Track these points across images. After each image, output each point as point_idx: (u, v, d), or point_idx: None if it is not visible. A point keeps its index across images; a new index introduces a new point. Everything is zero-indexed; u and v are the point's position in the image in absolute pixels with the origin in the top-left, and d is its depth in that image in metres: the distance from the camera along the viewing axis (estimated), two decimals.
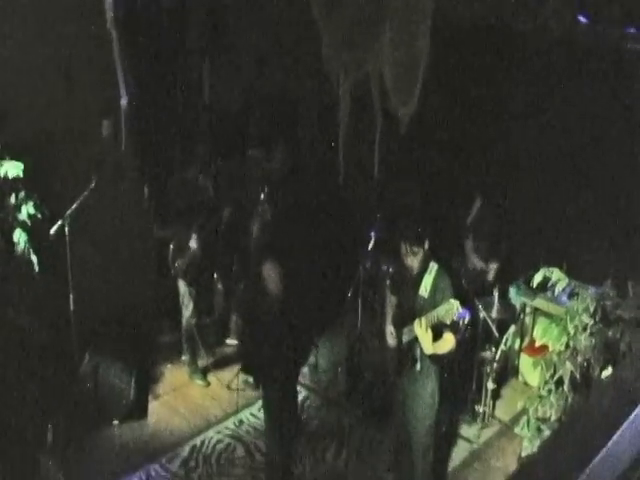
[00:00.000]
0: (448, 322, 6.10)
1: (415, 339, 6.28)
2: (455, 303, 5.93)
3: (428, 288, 6.30)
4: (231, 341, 9.60)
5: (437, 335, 6.24)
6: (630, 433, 2.09)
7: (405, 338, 6.41)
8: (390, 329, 6.57)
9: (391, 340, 6.55)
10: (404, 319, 6.41)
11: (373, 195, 10.16)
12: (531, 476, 1.98)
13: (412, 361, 6.39)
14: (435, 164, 9.56)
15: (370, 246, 8.56)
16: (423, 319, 6.11)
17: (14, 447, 7.52)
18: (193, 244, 8.42)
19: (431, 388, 6.47)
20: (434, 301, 6.23)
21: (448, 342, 6.28)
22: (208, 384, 8.94)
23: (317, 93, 10.52)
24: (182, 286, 8.66)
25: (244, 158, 9.83)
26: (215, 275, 9.38)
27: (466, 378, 8.35)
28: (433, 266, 6.34)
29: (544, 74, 8.62)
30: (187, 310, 8.72)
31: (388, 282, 7.07)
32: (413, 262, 6.30)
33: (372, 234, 8.59)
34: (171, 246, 8.61)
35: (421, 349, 6.29)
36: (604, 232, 8.43)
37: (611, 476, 2.03)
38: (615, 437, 2.03)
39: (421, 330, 6.13)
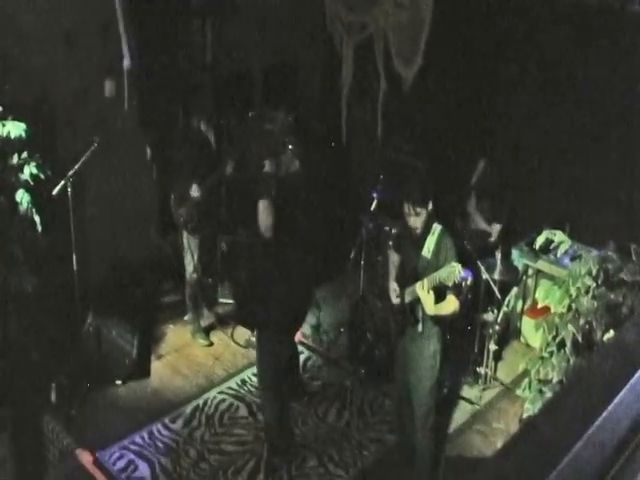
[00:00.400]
0: (450, 285, 6.07)
1: (417, 300, 6.27)
2: (457, 266, 5.90)
3: (431, 249, 6.25)
4: (226, 300, 9.56)
5: (440, 297, 6.23)
6: (631, 396, 2.10)
7: (407, 298, 6.39)
8: (394, 286, 6.54)
9: (394, 298, 6.52)
10: (407, 279, 6.39)
11: (376, 156, 10.15)
12: (531, 438, 1.98)
13: (414, 322, 6.39)
14: (439, 125, 9.53)
15: (372, 207, 8.56)
16: (425, 281, 6.08)
17: (19, 407, 7.58)
18: (195, 193, 8.39)
19: (433, 349, 6.45)
20: (437, 262, 6.20)
21: (451, 304, 6.25)
22: (211, 343, 8.97)
23: (320, 54, 10.49)
24: (185, 240, 8.63)
25: (246, 119, 9.80)
26: (217, 229, 9.37)
27: (468, 340, 8.38)
28: (436, 227, 6.30)
29: (549, 33, 8.57)
30: (190, 265, 8.71)
31: (391, 242, 7.06)
32: (416, 223, 6.25)
33: (374, 195, 8.60)
34: (173, 195, 8.59)
35: (423, 310, 6.28)
36: (608, 195, 8.42)
37: (612, 438, 2.04)
38: (616, 400, 2.03)
39: (423, 292, 6.10)
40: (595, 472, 2.01)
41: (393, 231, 8.05)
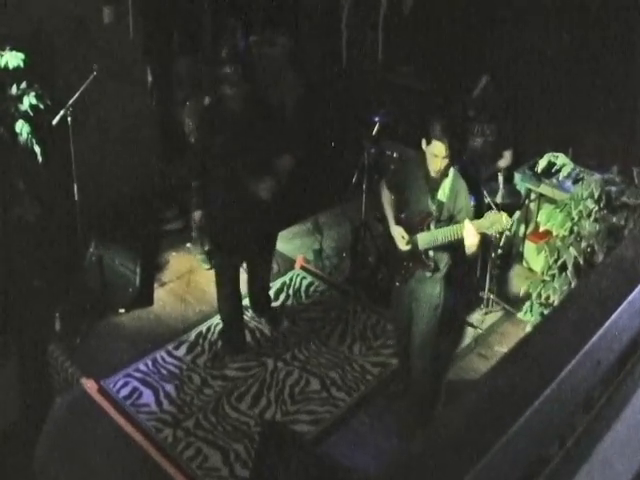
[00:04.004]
0: (492, 233, 6.00)
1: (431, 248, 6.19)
2: (504, 215, 5.78)
3: (446, 192, 6.09)
4: None
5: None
6: (628, 313, 2.09)
7: (424, 246, 6.20)
8: (400, 232, 6.28)
9: (403, 245, 6.27)
10: (419, 225, 6.22)
11: (377, 79, 10.07)
12: (527, 354, 1.98)
13: (434, 270, 6.25)
14: (440, 47, 9.42)
15: (374, 131, 8.50)
16: (472, 224, 5.82)
17: (24, 336, 7.63)
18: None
19: (438, 290, 6.36)
20: (454, 205, 6.09)
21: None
22: (211, 267, 8.95)
23: None
24: None
25: (248, 42, 9.73)
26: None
27: (471, 264, 8.37)
28: (450, 170, 6.12)
29: None
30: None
31: (385, 180, 6.84)
32: (442, 164, 6.00)
33: (376, 119, 8.52)
34: (187, 104, 8.49)
35: (436, 256, 6.23)
36: (611, 118, 8.36)
37: (608, 355, 2.04)
38: (613, 317, 2.02)
39: (471, 235, 5.81)
40: (591, 389, 2.02)
41: (393, 154, 8.00)
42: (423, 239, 6.20)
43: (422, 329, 6.50)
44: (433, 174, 6.12)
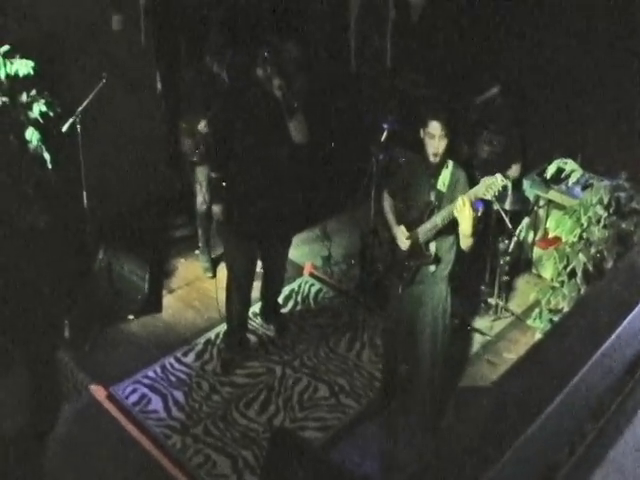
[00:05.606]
0: (489, 197, 5.73)
1: (433, 237, 6.10)
2: (498, 176, 5.58)
3: (446, 183, 6.00)
4: None
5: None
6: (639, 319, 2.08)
7: (424, 237, 6.10)
8: (402, 229, 6.26)
9: (404, 242, 6.24)
10: (420, 217, 6.13)
11: (385, 86, 10.06)
12: (537, 362, 1.98)
13: (435, 261, 6.12)
14: (449, 55, 9.42)
15: (383, 138, 8.48)
16: (464, 197, 5.67)
17: (33, 343, 7.63)
18: (204, 129, 8.27)
19: (445, 293, 6.28)
20: (452, 196, 5.90)
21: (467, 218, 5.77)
22: (214, 276, 8.96)
23: None
24: (199, 173, 8.55)
25: (256, 49, 9.72)
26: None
27: (479, 270, 8.36)
28: (449, 161, 6.05)
29: None
30: (199, 196, 8.64)
31: (387, 189, 6.79)
32: (440, 147, 5.93)
33: (385, 126, 8.51)
34: (182, 125, 8.48)
35: (438, 248, 6.16)
36: (620, 124, 8.34)
37: (619, 362, 2.03)
38: (624, 324, 2.02)
39: (465, 209, 5.63)
40: (602, 396, 2.01)
41: (401, 160, 7.98)
42: (424, 229, 6.09)
43: (430, 335, 6.37)
44: (432, 159, 6.01)
